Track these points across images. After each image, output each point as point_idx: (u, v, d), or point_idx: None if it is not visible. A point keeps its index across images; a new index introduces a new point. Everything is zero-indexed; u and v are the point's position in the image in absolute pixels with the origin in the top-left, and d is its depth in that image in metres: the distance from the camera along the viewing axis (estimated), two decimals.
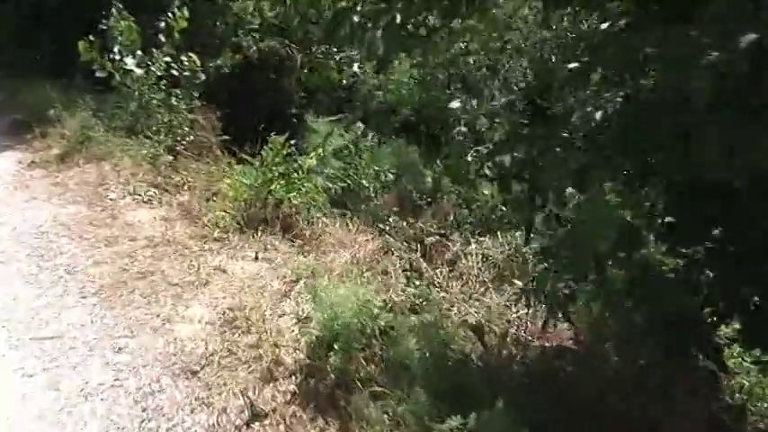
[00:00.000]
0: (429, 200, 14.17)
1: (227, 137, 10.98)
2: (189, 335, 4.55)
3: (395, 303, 4.89)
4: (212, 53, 11.34)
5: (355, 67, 19.45)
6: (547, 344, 5.31)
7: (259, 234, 6.37)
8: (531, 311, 5.72)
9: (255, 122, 13.05)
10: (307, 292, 5.18)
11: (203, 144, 9.91)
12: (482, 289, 6.30)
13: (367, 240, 7.14)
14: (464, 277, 6.48)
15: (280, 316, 4.88)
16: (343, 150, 17.95)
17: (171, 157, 8.51)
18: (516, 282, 6.26)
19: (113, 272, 5.41)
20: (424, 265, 6.18)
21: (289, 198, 6.69)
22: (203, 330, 4.62)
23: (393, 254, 6.39)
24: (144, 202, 7.06)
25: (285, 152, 6.95)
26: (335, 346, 4.26)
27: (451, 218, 13.74)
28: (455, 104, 5.48)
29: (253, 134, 12.59)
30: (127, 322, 4.69)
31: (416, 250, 6.74)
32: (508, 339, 5.06)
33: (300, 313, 4.92)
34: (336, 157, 16.03)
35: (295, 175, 6.86)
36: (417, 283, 5.52)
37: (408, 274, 5.66)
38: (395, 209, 13.94)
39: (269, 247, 6.19)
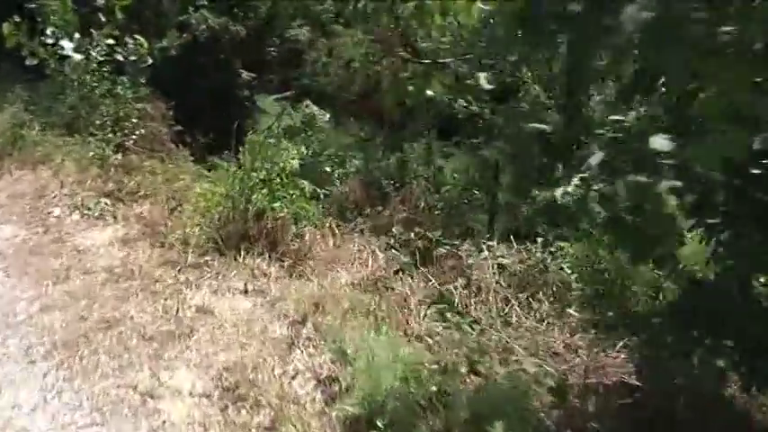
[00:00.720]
0: (397, 185, 13.14)
1: (179, 127, 9.66)
2: (180, 416, 3.39)
3: (442, 357, 3.85)
4: (157, 33, 9.88)
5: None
6: (606, 379, 4.41)
7: (242, 255, 5.20)
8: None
9: (208, 108, 11.76)
10: (319, 338, 4.10)
11: (155, 137, 8.59)
12: (506, 307, 5.36)
13: (363, 252, 6.08)
14: (483, 293, 5.50)
15: (293, 377, 3.77)
16: (293, 131, 16.71)
17: (120, 156, 7.19)
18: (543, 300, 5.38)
19: (68, 321, 4.17)
20: (458, 294, 5.14)
21: (272, 208, 5.53)
22: (198, 407, 3.47)
23: (402, 272, 5.34)
24: (96, 218, 5.77)
25: (266, 153, 5.77)
26: (379, 424, 3.22)
27: (422, 203, 12.85)
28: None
29: (206, 121, 11.31)
30: (94, 400, 3.50)
31: (425, 264, 5.70)
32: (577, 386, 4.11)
33: (318, 370, 3.83)
34: (289, 140, 14.84)
35: (277, 179, 5.69)
36: (450, 316, 4.49)
37: (438, 307, 4.62)
38: (358, 196, 13.01)
39: (257, 272, 5.04)
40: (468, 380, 3.74)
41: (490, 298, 5.46)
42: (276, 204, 5.51)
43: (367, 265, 5.75)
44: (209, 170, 8.12)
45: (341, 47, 17.32)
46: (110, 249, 5.18)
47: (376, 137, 14.93)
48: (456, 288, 5.45)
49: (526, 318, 5.29)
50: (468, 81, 6.04)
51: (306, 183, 5.85)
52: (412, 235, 5.82)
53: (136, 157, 7.48)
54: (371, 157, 13.66)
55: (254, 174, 5.55)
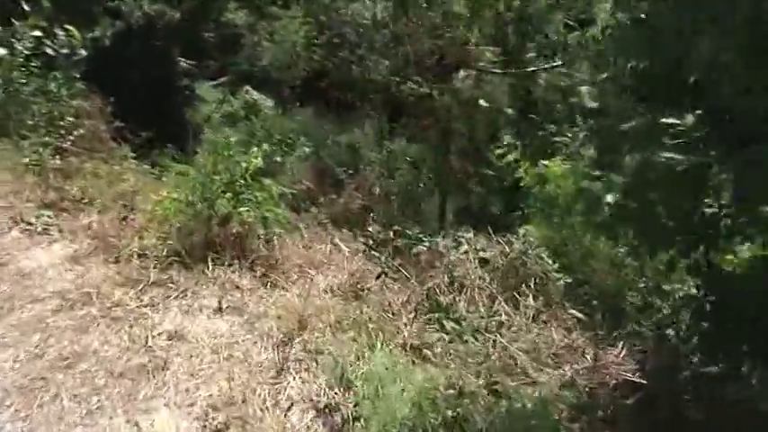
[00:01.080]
0: (350, 171, 12.71)
1: (119, 123, 8.96)
2: None
3: (452, 374, 3.51)
4: (87, 23, 9.10)
5: None
6: (610, 378, 4.18)
7: (210, 267, 4.72)
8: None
9: (146, 100, 11.00)
10: (310, 359, 3.70)
11: (94, 136, 7.88)
12: (494, 304, 5.06)
13: (335, 253, 5.68)
14: (468, 291, 5.19)
15: (288, 408, 3.36)
16: (234, 118, 16.04)
17: (58, 160, 6.53)
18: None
19: (21, 361, 3.63)
20: (442, 294, 4.79)
21: (239, 213, 5.05)
22: None
23: (385, 275, 4.96)
24: (39, 233, 5.15)
25: (226, 153, 5.27)
26: None
27: (377, 189, 12.47)
28: None
29: (146, 114, 10.57)
30: None
31: (404, 264, 5.33)
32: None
33: (315, 397, 3.43)
34: (231, 127, 14.16)
35: (241, 181, 5.20)
36: (446, 323, 4.15)
37: (436, 314, 4.27)
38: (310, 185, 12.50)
39: (228, 285, 4.58)
40: (482, 400, 3.41)
41: (476, 296, 5.15)
42: (243, 209, 5.03)
43: (342, 267, 5.37)
44: (153, 166, 7.55)
45: (281, 30, 16.65)
46: (59, 270, 4.61)
47: (324, 121, 14.40)
48: (440, 288, 5.14)
49: (515, 314, 5.02)
50: None
51: (272, 183, 5.37)
52: (391, 234, 5.41)
53: (76, 159, 6.81)
54: (321, 143, 13.15)
55: (217, 177, 5.05)
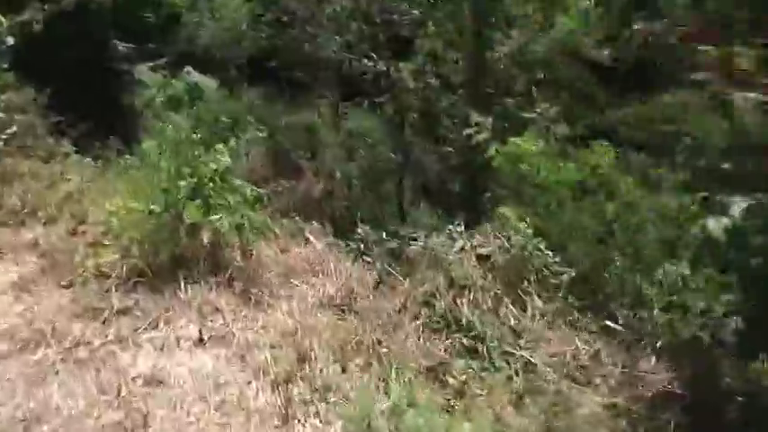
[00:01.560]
0: (308, 156, 12.04)
1: (56, 116, 8.07)
2: None
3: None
4: (14, 7, 8.07)
5: None
6: (645, 389, 3.76)
7: (182, 287, 4.07)
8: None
9: (83, 88, 10.02)
10: (318, 398, 3.13)
11: (30, 132, 7.03)
12: (500, 307, 4.59)
13: (313, 254, 5.10)
14: (471, 293, 4.68)
15: None
16: (176, 102, 15.03)
17: None
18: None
19: None
20: (443, 300, 4.28)
21: (210, 221, 4.38)
22: None
23: (382, 283, 4.42)
24: None
25: (189, 152, 4.59)
26: None
27: (338, 175, 11.84)
28: None
29: (84, 104, 9.62)
30: None
31: (399, 266, 4.79)
32: None
33: None
34: (175, 112, 13.20)
35: (210, 184, 4.53)
36: (465, 341, 3.63)
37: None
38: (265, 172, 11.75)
39: (207, 308, 3.93)
40: None
41: (479, 298, 4.68)
42: (214, 217, 4.37)
43: (327, 274, 4.80)
44: (96, 160, 6.76)
45: (221, 8, 15.66)
46: (3, 302, 3.89)
47: (275, 102, 13.60)
48: (439, 292, 4.64)
49: (523, 316, 4.58)
50: None
51: (246, 184, 4.72)
52: (384, 234, 4.85)
53: (11, 161, 6.01)
54: (275, 126, 12.36)
55: (183, 182, 4.37)
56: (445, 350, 3.70)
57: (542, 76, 12.12)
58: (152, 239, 4.32)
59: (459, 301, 4.54)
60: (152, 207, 4.31)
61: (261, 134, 11.73)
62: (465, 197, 12.24)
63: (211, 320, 3.83)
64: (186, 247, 4.35)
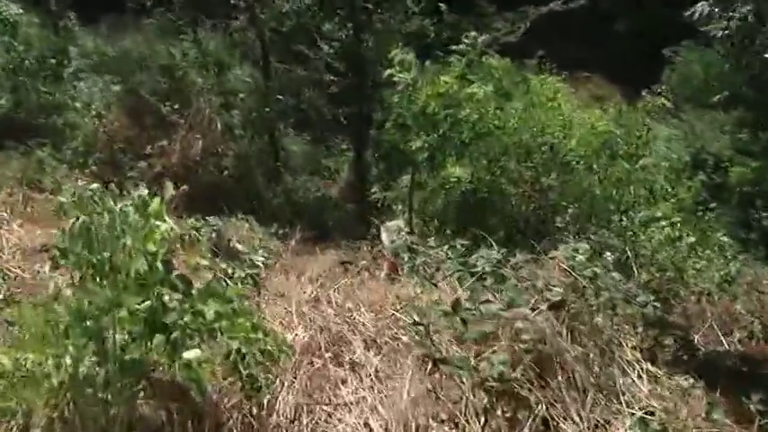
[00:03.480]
0: (177, 106, 9.40)
1: None
2: None
3: None
4: None
5: None
6: None
7: None
8: None
9: None
10: None
11: None
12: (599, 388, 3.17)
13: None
14: (561, 371, 3.20)
15: None
16: None
17: None
18: None
19: None
20: None
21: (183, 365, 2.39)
22: None
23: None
24: None
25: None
26: None
27: (217, 124, 9.39)
28: None
29: None
30: None
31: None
32: None
33: None
34: None
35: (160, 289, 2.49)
36: None
37: None
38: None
39: None
40: None
41: (576, 378, 3.23)
42: (188, 355, 2.38)
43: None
44: None
45: None
46: None
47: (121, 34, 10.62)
48: (520, 381, 3.10)
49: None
50: None
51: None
52: None
53: None
54: (128, 69, 9.51)
55: (123, 304, 2.30)
56: None
57: None
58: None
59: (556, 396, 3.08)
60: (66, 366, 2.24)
61: (114, 86, 8.98)
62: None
63: None
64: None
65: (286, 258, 6.04)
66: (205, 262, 2.81)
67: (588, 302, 3.59)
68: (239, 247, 5.09)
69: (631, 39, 12.36)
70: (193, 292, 2.58)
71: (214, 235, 5.10)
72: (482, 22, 10.97)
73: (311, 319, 3.86)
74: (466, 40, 6.71)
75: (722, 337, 4.24)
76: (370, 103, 9.89)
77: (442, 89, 6.41)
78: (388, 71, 6.60)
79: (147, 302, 2.42)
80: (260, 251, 5.16)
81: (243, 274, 3.29)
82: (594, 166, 6.27)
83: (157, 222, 2.56)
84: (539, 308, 3.47)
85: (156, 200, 2.58)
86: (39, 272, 4.23)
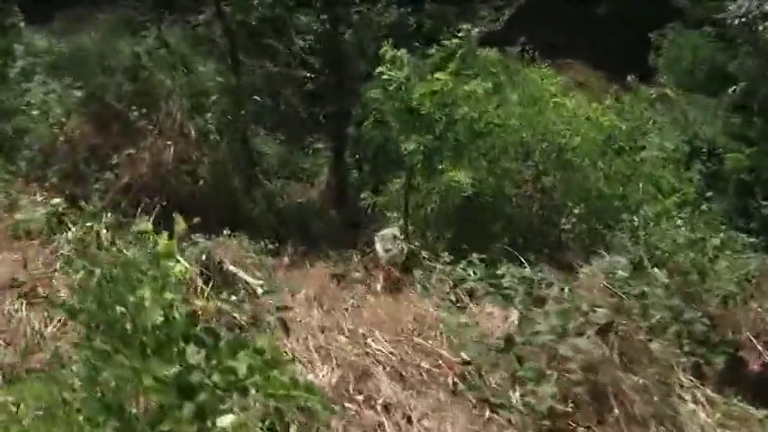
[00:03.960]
0: (145, 110, 8.87)
1: None
2: None
3: None
4: None
5: None
6: None
7: None
8: None
9: None
10: None
11: None
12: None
13: None
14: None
15: None
16: None
17: None
18: None
19: None
20: None
21: None
22: None
23: None
24: None
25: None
26: None
27: (190, 129, 8.88)
28: None
29: None
30: None
31: None
32: None
33: None
34: None
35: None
36: None
37: None
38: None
39: None
40: None
41: (634, 409, 2.97)
42: (224, 422, 2.01)
43: None
44: None
45: None
46: None
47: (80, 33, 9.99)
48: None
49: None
50: None
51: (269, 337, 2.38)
52: None
53: None
54: (89, 72, 8.90)
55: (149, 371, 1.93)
56: None
57: None
58: None
59: None
60: None
61: (76, 90, 8.36)
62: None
63: None
64: None
65: (280, 276, 5.68)
66: (227, 307, 2.47)
67: (637, 324, 3.34)
68: (232, 269, 4.69)
69: (613, 24, 12.23)
70: (221, 344, 2.23)
71: (204, 257, 4.69)
72: (464, 11, 10.62)
73: (328, 353, 3.55)
74: (459, 34, 6.38)
75: (761, 349, 4.02)
76: (351, 99, 9.49)
77: (437, 87, 6.12)
78: (379, 69, 6.26)
79: (176, 367, 2.06)
80: (257, 273, 4.80)
81: (270, 319, 2.95)
82: (599, 163, 6.05)
83: (170, 263, 2.20)
84: (585, 332, 3.21)
85: (165, 235, 2.21)
86: (12, 314, 3.66)
